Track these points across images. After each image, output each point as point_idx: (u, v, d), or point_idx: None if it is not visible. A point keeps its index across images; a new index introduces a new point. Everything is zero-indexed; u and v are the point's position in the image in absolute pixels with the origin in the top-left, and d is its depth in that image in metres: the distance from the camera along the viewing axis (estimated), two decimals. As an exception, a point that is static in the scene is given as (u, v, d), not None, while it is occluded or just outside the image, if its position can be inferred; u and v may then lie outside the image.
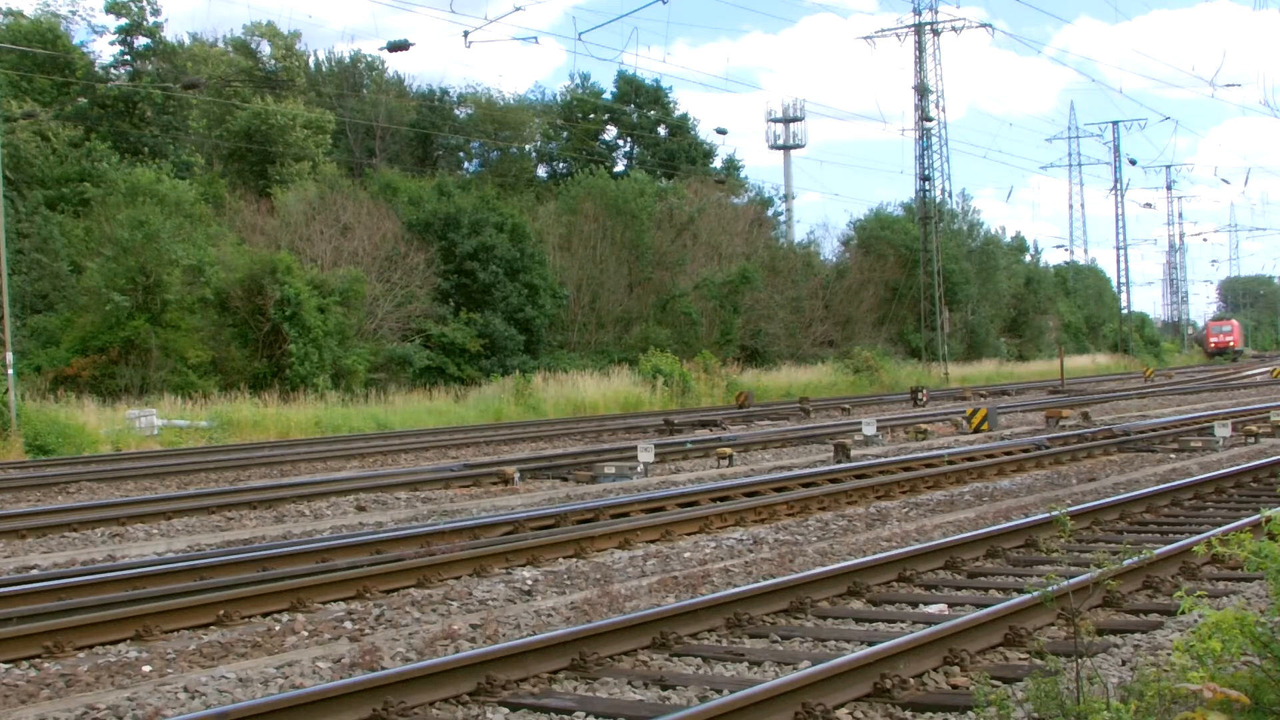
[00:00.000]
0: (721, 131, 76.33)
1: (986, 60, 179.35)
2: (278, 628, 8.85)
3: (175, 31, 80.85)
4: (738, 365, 49.37)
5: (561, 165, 63.50)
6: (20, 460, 24.62)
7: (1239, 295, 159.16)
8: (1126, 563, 7.70)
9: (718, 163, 68.28)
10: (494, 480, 18.21)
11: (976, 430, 26.02)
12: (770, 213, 68.34)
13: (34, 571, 11.48)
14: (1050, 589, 6.75)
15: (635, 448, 20.20)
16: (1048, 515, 11.15)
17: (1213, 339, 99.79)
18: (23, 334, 33.51)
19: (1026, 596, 8.16)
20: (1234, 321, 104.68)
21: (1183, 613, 5.92)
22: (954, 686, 7.02)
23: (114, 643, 8.57)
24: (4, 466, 22.92)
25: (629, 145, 67.01)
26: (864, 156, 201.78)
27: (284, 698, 6.43)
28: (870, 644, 7.57)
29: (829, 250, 68.07)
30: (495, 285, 43.62)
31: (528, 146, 65.11)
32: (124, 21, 45.67)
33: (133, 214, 34.28)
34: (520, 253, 44.70)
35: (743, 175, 69.93)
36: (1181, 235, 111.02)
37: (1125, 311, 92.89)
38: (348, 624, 8.95)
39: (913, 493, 15.94)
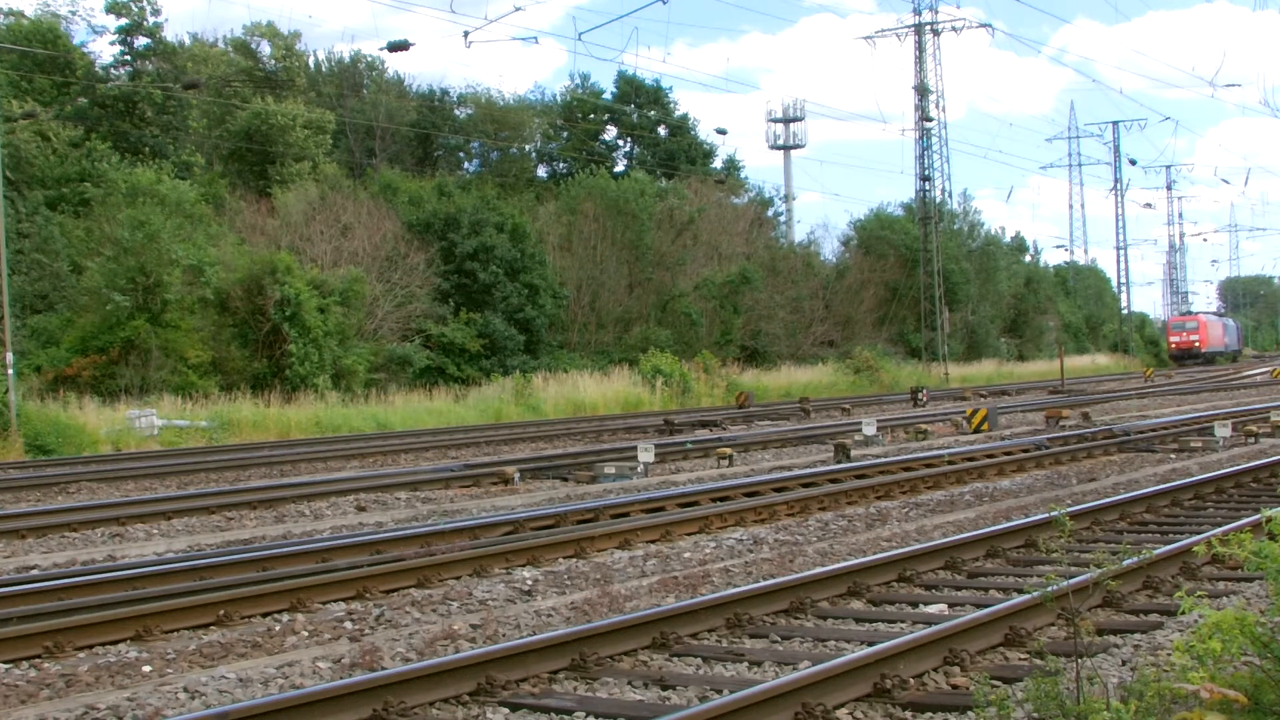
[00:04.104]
0: (721, 131, 76.40)
1: (986, 60, 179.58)
2: (278, 628, 8.85)
3: (175, 31, 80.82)
4: (738, 365, 49.38)
5: (562, 165, 63.48)
6: (20, 460, 24.62)
7: (1239, 295, 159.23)
8: (1126, 563, 7.70)
9: (718, 163, 68.28)
10: (494, 480, 18.20)
11: (976, 430, 26.01)
12: (770, 213, 68.43)
13: (34, 571, 11.48)
14: (1050, 589, 6.75)
15: (635, 448, 20.18)
16: (1048, 515, 11.13)
17: (1173, 338, 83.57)
18: (23, 334, 33.51)
19: (1026, 596, 8.16)
20: (1201, 318, 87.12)
21: (1183, 613, 5.92)
22: (954, 686, 7.02)
23: (114, 643, 8.56)
24: (4, 466, 22.92)
25: (629, 145, 67.01)
26: (864, 156, 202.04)
27: (284, 698, 6.43)
28: (870, 644, 7.57)
29: (829, 250, 68.21)
30: (495, 285, 43.63)
31: (528, 147, 65.10)
32: (124, 21, 45.66)
33: (133, 214, 34.27)
34: (520, 253, 44.72)
35: (743, 175, 70.02)
36: (1181, 235, 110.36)
37: (1125, 311, 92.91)
38: (348, 624, 8.94)
39: (913, 493, 15.94)
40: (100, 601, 9.53)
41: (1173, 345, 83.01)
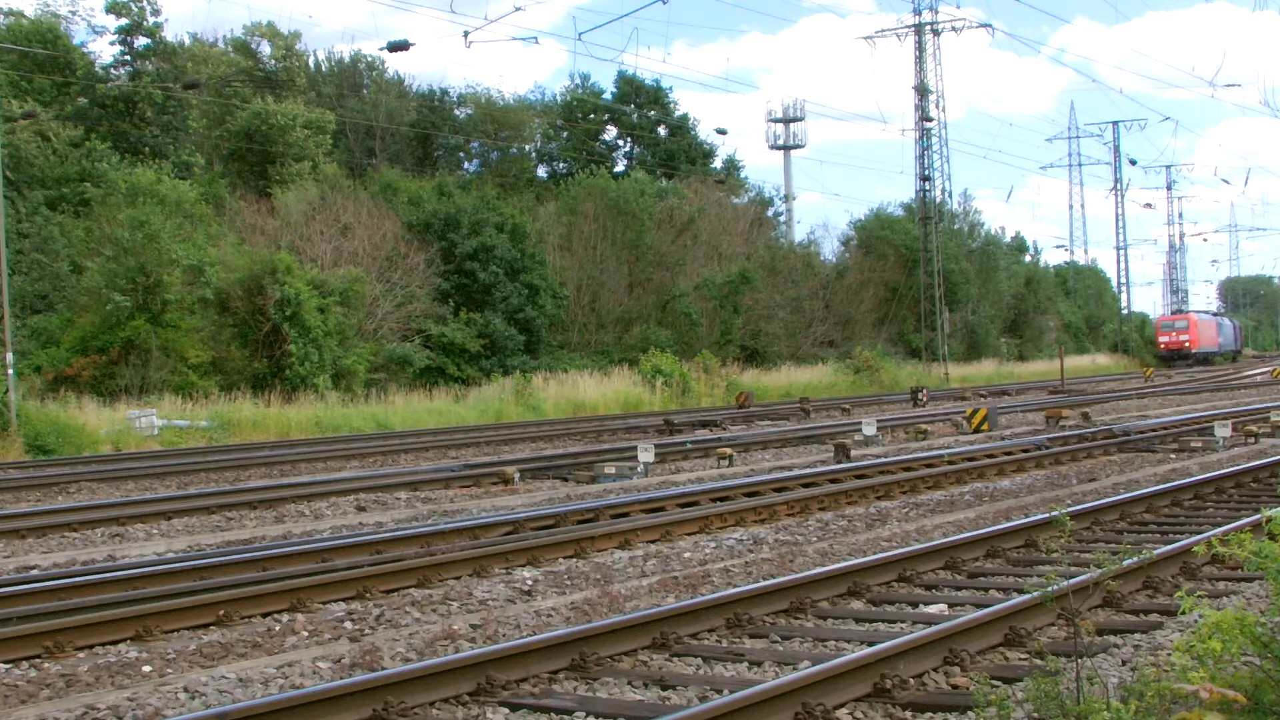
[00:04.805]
0: (721, 132, 76.48)
1: (986, 60, 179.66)
2: (278, 628, 8.85)
3: (175, 31, 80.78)
4: (738, 365, 49.36)
5: (562, 165, 63.46)
6: (20, 460, 24.61)
7: (1239, 295, 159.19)
8: (1126, 563, 7.70)
9: (718, 163, 68.27)
10: (494, 480, 18.20)
11: (976, 430, 26.01)
12: (770, 213, 68.42)
13: (34, 571, 11.48)
14: (1050, 589, 6.75)
15: (635, 448, 20.19)
16: (1048, 515, 11.14)
17: (1162, 338, 79.63)
18: (23, 334, 33.50)
19: (1026, 596, 8.16)
20: (1192, 316, 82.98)
21: (1183, 613, 5.92)
22: (954, 686, 7.02)
23: (114, 643, 8.56)
24: (4, 466, 22.92)
25: (629, 145, 66.99)
26: (864, 156, 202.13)
27: (284, 698, 6.43)
28: (870, 644, 7.57)
29: (829, 250, 68.21)
30: (495, 285, 43.64)
31: (528, 147, 65.09)
32: (124, 21, 45.66)
33: (133, 214, 34.26)
34: (520, 253, 44.72)
35: (743, 175, 70.02)
36: (1181, 235, 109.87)
37: (1125, 312, 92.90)
38: (348, 624, 8.94)
39: (913, 493, 15.94)
40: (100, 601, 9.53)
41: (1161, 345, 79.03)
